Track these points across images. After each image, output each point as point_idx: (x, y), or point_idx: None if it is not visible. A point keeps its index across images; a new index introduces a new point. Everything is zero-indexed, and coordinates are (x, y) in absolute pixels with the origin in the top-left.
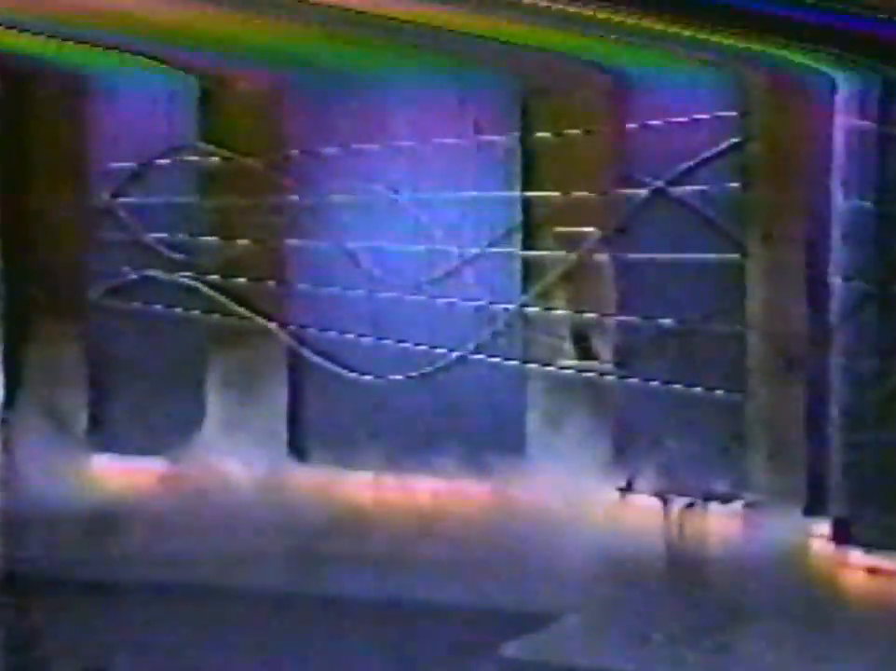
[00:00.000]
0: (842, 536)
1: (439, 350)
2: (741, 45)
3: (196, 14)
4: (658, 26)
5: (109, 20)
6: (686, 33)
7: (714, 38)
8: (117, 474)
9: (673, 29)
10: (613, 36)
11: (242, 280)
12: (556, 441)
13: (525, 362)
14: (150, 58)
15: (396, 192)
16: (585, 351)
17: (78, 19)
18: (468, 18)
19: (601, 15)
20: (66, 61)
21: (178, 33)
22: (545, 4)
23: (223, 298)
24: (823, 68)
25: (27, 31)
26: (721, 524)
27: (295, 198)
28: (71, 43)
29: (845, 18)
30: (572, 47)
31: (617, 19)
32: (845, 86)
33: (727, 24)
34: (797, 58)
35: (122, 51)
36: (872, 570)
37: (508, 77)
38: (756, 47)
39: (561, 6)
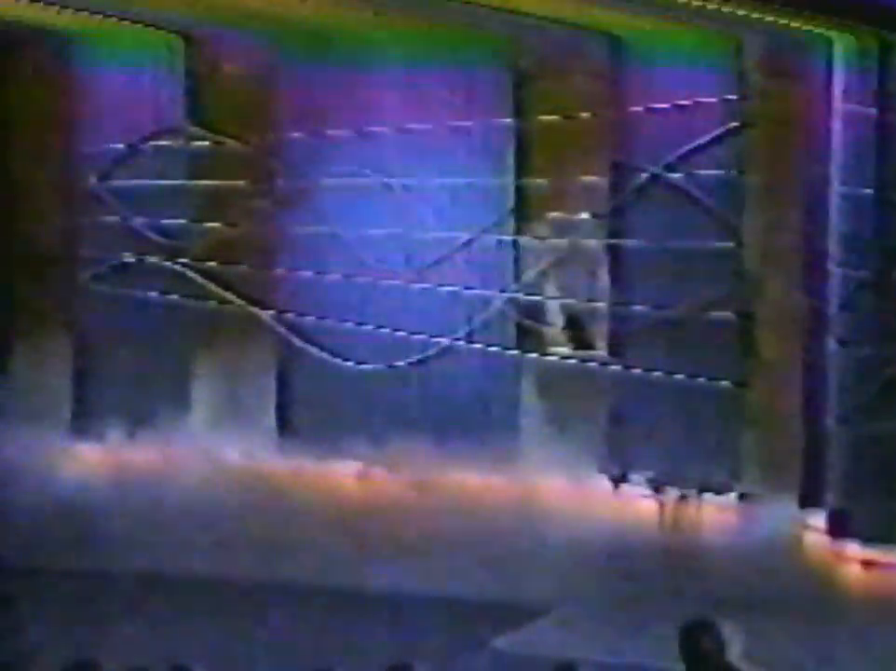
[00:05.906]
0: (838, 528)
1: (431, 338)
2: (741, 13)
3: None
4: None
5: None
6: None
7: (714, 5)
8: (103, 461)
9: None
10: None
11: (231, 265)
12: (549, 430)
13: (518, 349)
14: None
15: (387, 177)
16: (579, 339)
17: None
18: None
19: None
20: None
21: None
22: None
23: (211, 284)
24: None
25: None
26: (716, 515)
27: (285, 182)
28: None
29: None
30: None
31: None
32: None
33: None
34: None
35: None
36: (868, 563)
37: (502, 59)
38: (755, 14)
39: None
